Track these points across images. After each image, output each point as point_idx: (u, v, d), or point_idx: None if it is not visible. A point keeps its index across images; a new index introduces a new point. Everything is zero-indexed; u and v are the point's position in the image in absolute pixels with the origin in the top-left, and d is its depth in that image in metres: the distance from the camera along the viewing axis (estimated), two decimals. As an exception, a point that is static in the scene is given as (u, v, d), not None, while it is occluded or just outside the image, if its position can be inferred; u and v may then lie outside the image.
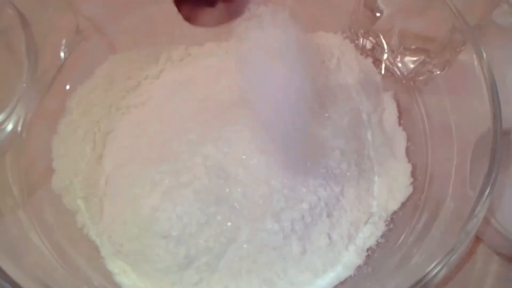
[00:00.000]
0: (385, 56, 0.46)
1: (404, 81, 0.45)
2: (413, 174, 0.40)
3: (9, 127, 0.39)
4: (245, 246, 0.34)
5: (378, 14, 0.45)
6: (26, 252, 0.34)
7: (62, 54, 0.42)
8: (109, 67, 0.44)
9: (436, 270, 0.28)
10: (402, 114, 0.43)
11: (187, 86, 0.41)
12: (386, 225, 0.38)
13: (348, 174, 0.38)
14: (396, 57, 0.45)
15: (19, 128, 0.39)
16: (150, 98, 0.43)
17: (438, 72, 0.43)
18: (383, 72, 0.45)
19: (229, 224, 0.34)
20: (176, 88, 0.42)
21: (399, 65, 0.45)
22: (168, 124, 0.39)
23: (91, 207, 0.38)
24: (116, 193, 0.37)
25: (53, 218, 0.36)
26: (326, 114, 0.39)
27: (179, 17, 0.46)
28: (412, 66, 0.45)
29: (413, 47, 0.45)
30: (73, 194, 0.38)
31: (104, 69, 0.43)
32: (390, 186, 0.39)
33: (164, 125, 0.39)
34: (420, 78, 0.44)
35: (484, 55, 0.35)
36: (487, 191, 0.30)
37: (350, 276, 0.36)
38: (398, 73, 0.45)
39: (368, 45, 0.46)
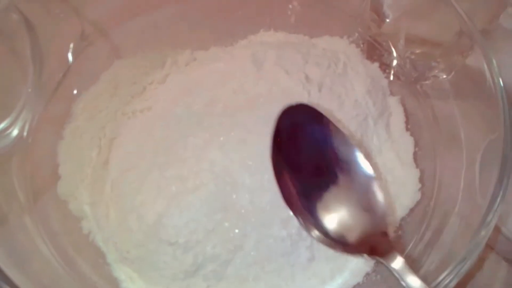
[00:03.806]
0: (392, 60, 0.45)
1: (411, 86, 0.44)
2: (421, 180, 0.39)
3: (15, 132, 0.38)
4: (252, 253, 0.34)
5: (384, 18, 0.44)
6: (31, 258, 0.34)
7: (67, 59, 0.42)
8: (114, 72, 0.43)
9: (447, 281, 0.28)
10: (409, 118, 0.43)
11: (193, 90, 0.41)
12: (395, 231, 0.38)
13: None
14: (403, 61, 0.45)
15: (24, 133, 0.39)
16: (155, 103, 0.42)
17: (445, 76, 0.42)
18: (391, 78, 0.45)
19: (236, 231, 0.34)
20: (181, 92, 0.42)
21: (406, 69, 0.45)
22: (173, 129, 0.39)
23: (97, 213, 0.37)
24: (122, 199, 0.37)
25: (59, 224, 0.36)
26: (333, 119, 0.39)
27: (183, 22, 0.46)
28: (419, 70, 0.44)
29: (419, 51, 0.44)
30: (78, 200, 0.38)
31: (110, 74, 0.43)
32: (397, 192, 0.39)
33: (170, 130, 0.39)
34: (427, 82, 0.44)
35: (493, 59, 0.35)
36: (499, 198, 0.29)
37: (358, 284, 0.35)
38: (405, 77, 0.45)
39: (375, 49, 0.46)
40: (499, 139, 0.32)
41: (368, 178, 0.33)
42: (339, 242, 0.31)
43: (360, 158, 0.33)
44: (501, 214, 0.30)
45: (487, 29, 0.46)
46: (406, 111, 0.43)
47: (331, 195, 0.33)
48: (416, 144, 0.42)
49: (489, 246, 0.40)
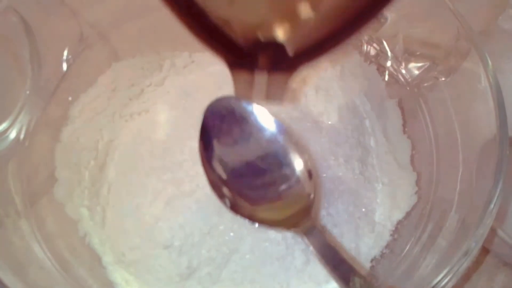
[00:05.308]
0: (389, 62, 0.45)
1: (408, 88, 0.44)
2: (418, 182, 0.39)
3: (12, 135, 0.38)
4: (247, 256, 0.34)
5: (382, 21, 0.44)
6: (27, 261, 0.33)
7: (65, 62, 0.42)
8: (112, 75, 0.43)
9: (443, 282, 0.28)
10: (406, 121, 0.43)
11: (191, 93, 0.41)
12: (391, 235, 0.38)
13: (351, 182, 0.37)
14: (400, 63, 0.45)
15: (22, 136, 0.38)
16: (153, 105, 0.42)
17: (443, 79, 0.42)
18: (386, 78, 0.45)
19: (231, 234, 0.34)
20: (179, 95, 0.42)
21: (403, 71, 0.45)
22: (171, 132, 0.39)
23: (93, 216, 0.37)
24: (119, 202, 0.37)
25: (55, 227, 0.36)
26: (329, 122, 0.39)
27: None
28: (416, 72, 0.44)
29: (417, 53, 0.44)
30: (75, 203, 0.38)
31: (107, 76, 0.43)
32: (394, 195, 0.39)
33: (167, 133, 0.39)
34: (425, 84, 0.44)
35: (490, 62, 0.34)
36: (494, 200, 0.29)
37: (354, 287, 0.35)
38: (402, 79, 0.45)
39: (372, 52, 0.46)
40: (495, 142, 0.32)
41: (290, 155, 0.33)
42: (263, 219, 0.32)
43: (282, 133, 0.34)
44: (497, 217, 0.30)
45: (486, 31, 0.46)
46: (403, 114, 0.43)
47: (256, 175, 0.34)
48: (413, 147, 0.41)
49: (487, 250, 0.40)
